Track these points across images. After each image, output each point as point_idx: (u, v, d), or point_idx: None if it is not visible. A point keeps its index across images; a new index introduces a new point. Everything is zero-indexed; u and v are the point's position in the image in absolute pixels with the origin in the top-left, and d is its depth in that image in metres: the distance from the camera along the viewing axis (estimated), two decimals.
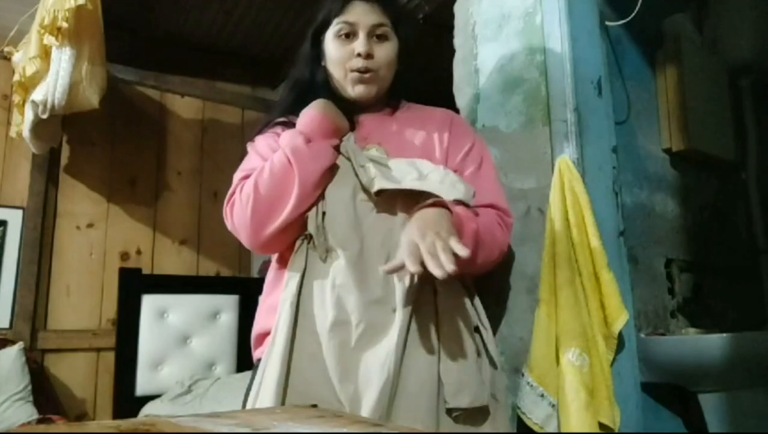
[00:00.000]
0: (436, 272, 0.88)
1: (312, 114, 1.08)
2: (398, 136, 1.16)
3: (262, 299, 1.14)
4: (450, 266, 0.88)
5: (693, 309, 1.70)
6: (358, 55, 1.14)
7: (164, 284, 2.80)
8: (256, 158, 1.14)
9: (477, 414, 1.01)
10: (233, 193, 1.09)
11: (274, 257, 1.15)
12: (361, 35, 1.14)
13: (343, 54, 1.15)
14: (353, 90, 1.16)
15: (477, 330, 1.06)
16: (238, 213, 1.06)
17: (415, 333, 0.99)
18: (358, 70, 1.14)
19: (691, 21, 1.98)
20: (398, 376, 0.95)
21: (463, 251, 0.90)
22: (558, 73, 1.32)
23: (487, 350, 1.06)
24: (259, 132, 1.20)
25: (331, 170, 1.07)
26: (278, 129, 1.17)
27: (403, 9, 1.55)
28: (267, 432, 0.52)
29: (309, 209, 1.05)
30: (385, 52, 1.16)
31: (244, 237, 1.08)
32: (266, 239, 1.06)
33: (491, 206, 1.13)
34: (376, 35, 1.15)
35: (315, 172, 1.04)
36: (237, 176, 1.13)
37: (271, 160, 1.06)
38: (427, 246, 0.90)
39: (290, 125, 1.15)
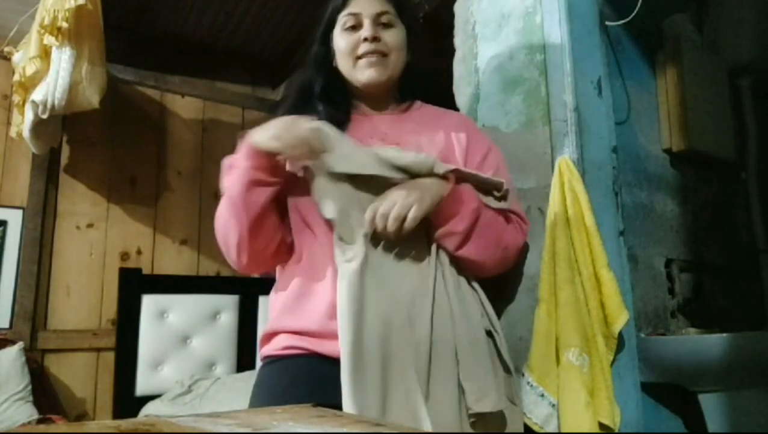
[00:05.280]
0: (386, 229, 0.95)
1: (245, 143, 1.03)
2: (416, 135, 1.15)
3: (274, 297, 1.12)
4: (391, 229, 0.95)
5: (693, 309, 1.70)
6: (365, 40, 1.12)
7: (164, 284, 2.80)
8: None
9: (494, 420, 1.01)
10: None
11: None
12: (366, 23, 1.13)
13: (350, 43, 1.14)
14: (363, 75, 1.14)
15: (490, 334, 1.06)
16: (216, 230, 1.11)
17: (436, 341, 0.99)
18: (366, 54, 1.13)
19: (691, 21, 1.98)
20: (427, 384, 0.95)
21: (411, 223, 0.95)
22: (558, 73, 1.32)
23: (500, 354, 1.06)
24: None
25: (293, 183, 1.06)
26: None
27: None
28: (267, 432, 0.52)
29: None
30: (393, 37, 1.15)
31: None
32: (242, 264, 1.09)
33: (511, 211, 1.13)
34: (381, 23, 1.15)
35: (237, 195, 1.04)
36: None
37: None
38: (384, 207, 0.96)
39: None
